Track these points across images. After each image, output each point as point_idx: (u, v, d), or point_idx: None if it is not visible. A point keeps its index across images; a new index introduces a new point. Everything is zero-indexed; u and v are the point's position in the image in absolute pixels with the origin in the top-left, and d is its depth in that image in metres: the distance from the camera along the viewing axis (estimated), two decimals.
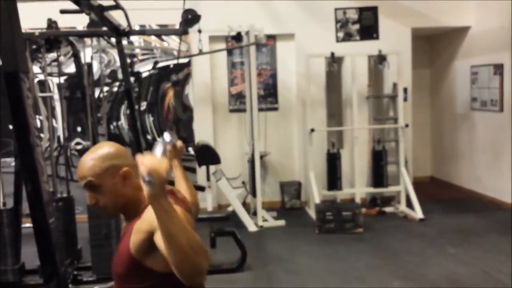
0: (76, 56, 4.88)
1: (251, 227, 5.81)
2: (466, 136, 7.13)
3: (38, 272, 4.31)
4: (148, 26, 6.34)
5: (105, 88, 6.40)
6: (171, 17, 5.81)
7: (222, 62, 6.73)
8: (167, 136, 1.88)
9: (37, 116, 6.10)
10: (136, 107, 5.11)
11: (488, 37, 6.53)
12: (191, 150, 6.72)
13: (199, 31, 5.42)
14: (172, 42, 6.66)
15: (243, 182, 6.37)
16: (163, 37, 6.65)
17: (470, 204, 6.61)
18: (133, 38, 6.56)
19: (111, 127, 6.64)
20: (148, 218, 1.39)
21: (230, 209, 6.16)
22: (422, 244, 5.15)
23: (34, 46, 4.65)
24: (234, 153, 6.66)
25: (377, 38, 6.65)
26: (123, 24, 4.29)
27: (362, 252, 5.02)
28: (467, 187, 7.12)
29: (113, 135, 6.54)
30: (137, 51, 6.71)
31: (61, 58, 5.50)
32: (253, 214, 6.11)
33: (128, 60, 6.39)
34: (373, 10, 6.67)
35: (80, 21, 5.36)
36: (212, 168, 6.13)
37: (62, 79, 5.71)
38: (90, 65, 6.33)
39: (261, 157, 6.28)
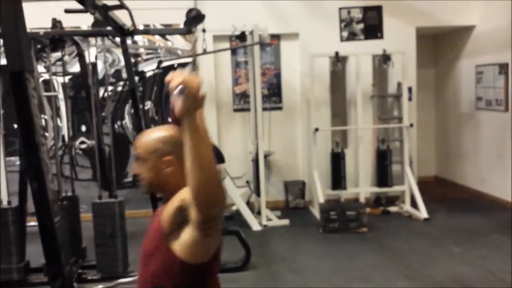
0: (80, 56, 4.89)
1: (255, 226, 5.81)
2: (470, 135, 7.10)
3: (43, 270, 4.33)
4: (152, 25, 6.35)
5: (110, 88, 6.41)
6: (175, 16, 5.81)
7: (226, 62, 6.73)
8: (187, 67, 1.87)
9: (42, 116, 6.13)
10: (140, 106, 5.12)
11: (493, 36, 6.51)
12: None
13: (204, 30, 5.43)
14: (176, 41, 6.66)
15: (247, 182, 6.37)
16: (167, 36, 6.66)
17: (475, 204, 6.59)
18: (137, 37, 6.57)
19: (116, 126, 6.65)
20: (183, 191, 1.43)
21: (234, 208, 6.17)
22: (426, 244, 5.14)
23: (38, 46, 4.65)
24: (238, 153, 6.66)
25: (381, 37, 6.63)
26: (128, 23, 4.30)
27: (366, 251, 5.01)
28: (472, 187, 7.10)
29: (118, 134, 6.56)
30: (142, 50, 6.72)
31: (66, 58, 5.51)
32: (257, 213, 6.11)
33: (133, 60, 6.40)
34: (378, 10, 6.65)
35: (85, 21, 5.37)
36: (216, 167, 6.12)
37: (67, 78, 5.73)
38: (94, 65, 6.35)
39: (265, 156, 6.28)
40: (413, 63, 6.72)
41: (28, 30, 2.28)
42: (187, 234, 1.43)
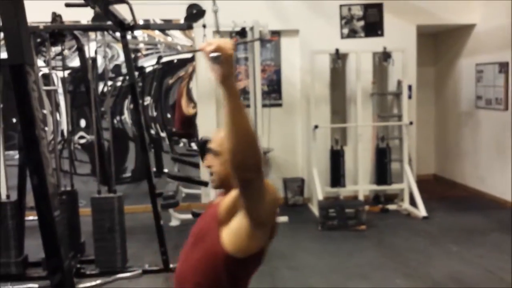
0: (80, 50, 4.87)
1: None
2: (470, 134, 7.10)
3: (41, 264, 4.33)
4: (152, 21, 6.33)
5: (109, 83, 6.40)
6: (175, 12, 5.80)
7: None
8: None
9: (42, 110, 6.11)
10: (140, 102, 5.11)
11: (493, 35, 6.50)
12: (194, 146, 6.72)
13: (204, 26, 5.41)
14: (176, 37, 6.64)
15: None
16: (167, 32, 6.64)
17: (474, 203, 6.59)
18: (137, 33, 6.56)
19: (115, 121, 6.64)
20: None
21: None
22: (425, 242, 5.15)
23: (38, 40, 4.64)
24: None
25: (382, 35, 6.62)
26: (128, 18, 4.28)
27: (364, 249, 5.02)
28: (471, 186, 7.10)
29: (117, 129, 6.54)
30: (141, 46, 6.70)
31: (66, 52, 5.49)
32: None
33: (132, 55, 6.39)
34: (378, 7, 6.64)
35: (85, 15, 5.36)
36: None
37: (66, 73, 5.71)
38: (94, 60, 6.33)
39: (265, 153, 6.27)
40: (413, 61, 6.71)
41: (28, 24, 2.27)
42: (236, 222, 1.47)
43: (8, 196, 4.33)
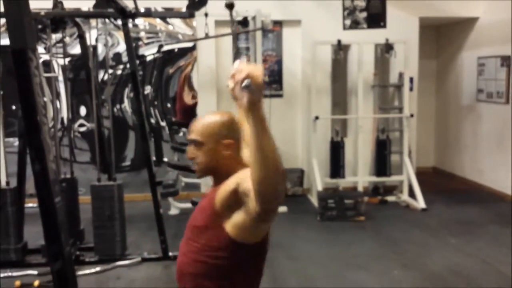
0: (81, 37, 4.85)
1: None
2: (470, 127, 7.10)
3: (41, 251, 4.34)
4: (154, 9, 6.29)
5: (109, 71, 6.38)
6: (177, 0, 5.76)
7: (228, 47, 6.69)
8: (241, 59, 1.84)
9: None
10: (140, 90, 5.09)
11: (496, 29, 6.48)
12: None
13: (206, 15, 5.38)
14: (177, 25, 6.61)
15: None
16: (168, 20, 6.60)
17: (473, 196, 6.60)
18: (138, 21, 6.52)
19: (115, 109, 6.62)
20: (240, 173, 1.46)
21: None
22: (423, 234, 5.16)
23: (39, 26, 4.61)
24: None
25: (384, 26, 6.58)
26: (130, 6, 4.26)
27: (363, 240, 5.03)
28: (470, 179, 7.11)
29: (117, 117, 6.53)
30: (142, 34, 6.67)
31: (66, 39, 5.46)
32: None
33: (133, 44, 6.36)
34: None
35: (86, 2, 5.33)
36: None
37: (67, 60, 5.68)
38: (94, 47, 6.30)
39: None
40: (415, 53, 6.69)
41: None
42: (240, 217, 1.45)
43: (7, 183, 4.33)
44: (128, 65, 5.68)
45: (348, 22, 6.59)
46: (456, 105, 7.47)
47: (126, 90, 6.65)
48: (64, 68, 5.54)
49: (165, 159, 6.58)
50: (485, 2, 6.70)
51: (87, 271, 4.19)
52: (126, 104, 6.68)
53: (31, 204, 4.87)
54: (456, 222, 5.50)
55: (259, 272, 1.64)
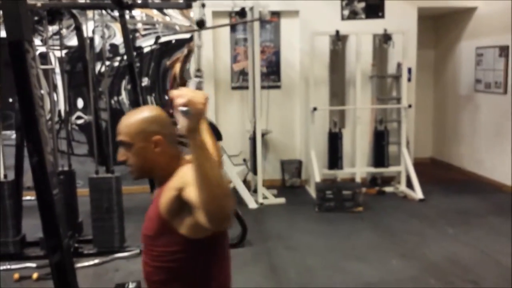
0: (78, 29, 4.82)
1: (252, 204, 5.83)
2: (468, 117, 7.10)
3: (39, 244, 4.34)
4: (151, 0, 6.24)
5: (106, 63, 6.35)
6: None
7: (225, 39, 6.66)
8: (195, 80, 1.85)
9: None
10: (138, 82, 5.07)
11: (494, 19, 6.46)
12: None
13: (203, 5, 5.34)
14: (174, 17, 6.57)
15: (244, 160, 6.38)
16: (166, 11, 6.56)
17: (470, 186, 6.62)
18: (135, 12, 6.48)
19: (112, 102, 6.60)
20: (180, 175, 1.44)
21: (231, 186, 6.17)
22: (421, 224, 5.18)
23: (36, 18, 4.58)
24: (235, 131, 6.64)
25: (382, 17, 6.57)
26: None
27: (361, 230, 5.05)
28: (468, 169, 7.13)
29: (114, 110, 6.51)
30: (139, 26, 6.63)
31: (63, 31, 5.43)
32: (254, 191, 6.13)
33: (130, 35, 6.32)
34: None
35: None
36: None
37: (63, 52, 5.65)
38: (91, 39, 6.27)
39: (263, 135, 6.26)
40: (414, 43, 6.67)
41: None
42: (191, 220, 1.42)
43: (5, 176, 4.32)
44: (125, 57, 5.65)
45: (346, 12, 6.57)
46: (454, 96, 7.47)
47: (124, 82, 6.62)
48: (61, 60, 5.50)
49: None
50: None
51: (86, 263, 4.20)
52: (124, 96, 6.66)
53: (29, 197, 4.86)
54: (454, 213, 5.52)
55: (225, 258, 1.62)
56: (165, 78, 6.70)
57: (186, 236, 1.47)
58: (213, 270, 1.56)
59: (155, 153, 1.54)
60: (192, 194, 1.31)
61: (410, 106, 6.40)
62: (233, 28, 6.62)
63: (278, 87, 6.78)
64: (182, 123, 1.19)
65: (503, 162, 6.30)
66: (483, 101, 6.74)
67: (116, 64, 6.58)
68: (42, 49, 5.87)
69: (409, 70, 6.65)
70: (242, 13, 5.89)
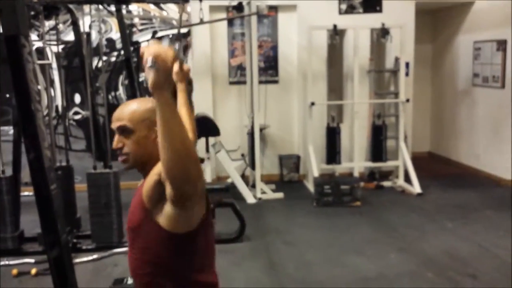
0: (75, 24, 4.80)
1: (250, 199, 5.83)
2: (466, 112, 7.11)
3: (37, 239, 4.33)
4: None
5: (103, 58, 6.32)
6: None
7: (223, 33, 6.64)
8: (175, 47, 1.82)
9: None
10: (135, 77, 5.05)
11: (492, 13, 6.45)
12: None
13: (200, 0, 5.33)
14: (171, 9, 6.55)
15: (242, 155, 6.37)
16: (163, 6, 6.54)
17: (468, 180, 6.63)
18: (131, 7, 6.46)
19: (109, 97, 6.58)
20: (160, 165, 1.39)
21: (229, 181, 6.17)
22: (419, 219, 5.19)
23: (32, 13, 4.56)
24: (233, 126, 6.64)
25: (380, 11, 6.55)
26: None
27: (359, 225, 5.05)
28: (466, 163, 7.14)
29: (111, 105, 6.49)
30: (136, 20, 6.61)
31: (60, 26, 5.41)
32: (252, 186, 6.13)
33: (127, 30, 6.30)
34: None
35: None
36: (212, 140, 6.12)
37: (60, 47, 5.63)
38: (88, 34, 6.24)
39: (261, 130, 6.26)
40: (411, 38, 6.66)
41: None
42: (167, 207, 1.40)
43: (3, 171, 4.31)
44: (122, 52, 5.63)
45: (344, 6, 6.56)
46: (452, 90, 7.47)
47: (121, 77, 6.60)
48: (57, 55, 5.49)
49: None
50: None
51: (84, 259, 4.20)
52: (121, 92, 6.65)
53: (27, 193, 4.85)
54: (452, 207, 5.53)
55: (209, 249, 1.59)
56: None
57: (166, 229, 1.44)
58: (196, 263, 1.53)
59: (154, 144, 1.48)
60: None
61: (408, 100, 6.40)
62: (230, 22, 6.60)
63: (276, 82, 6.76)
64: (149, 77, 1.17)
65: (501, 156, 6.31)
66: (481, 95, 6.74)
67: (113, 59, 6.56)
68: (38, 44, 5.84)
69: (407, 65, 6.64)
70: (239, 7, 5.88)
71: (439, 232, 4.79)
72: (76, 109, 6.56)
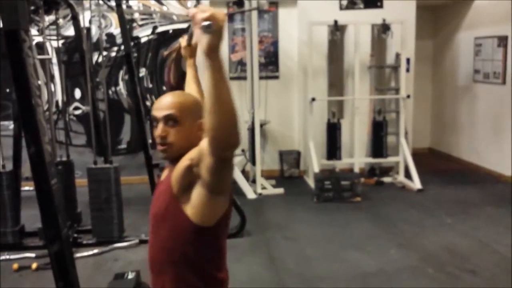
0: (75, 19, 4.78)
1: (250, 195, 5.83)
2: (467, 108, 7.10)
3: (38, 234, 4.34)
4: None
5: (104, 53, 6.31)
6: None
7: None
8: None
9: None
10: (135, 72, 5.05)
11: (493, 9, 6.44)
12: None
13: None
14: (171, 4, 6.53)
15: (243, 150, 6.37)
16: (163, 1, 6.52)
17: (469, 176, 6.63)
18: (132, 2, 6.44)
19: (110, 92, 6.58)
20: (194, 150, 1.40)
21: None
22: (419, 214, 5.19)
23: (32, 8, 4.54)
24: None
25: (381, 6, 6.54)
26: None
27: (359, 220, 5.06)
28: (466, 159, 7.13)
29: (112, 100, 6.49)
30: (136, 16, 6.59)
31: (60, 21, 5.40)
32: (252, 181, 6.13)
33: (127, 25, 6.28)
34: None
35: None
36: None
37: (60, 42, 5.61)
38: (88, 29, 6.23)
39: (261, 125, 6.25)
40: (412, 34, 6.64)
41: None
42: (196, 195, 1.42)
43: (3, 166, 4.32)
44: (122, 47, 5.62)
45: (344, 2, 6.54)
46: (453, 86, 7.46)
47: (121, 73, 6.60)
48: (57, 50, 5.48)
49: None
50: None
51: (85, 253, 4.20)
52: (121, 87, 6.64)
53: (27, 188, 4.86)
54: (452, 203, 5.53)
55: (224, 250, 1.61)
56: (162, 68, 6.67)
57: (192, 220, 1.45)
58: (216, 258, 1.56)
59: (196, 137, 1.49)
60: (200, 147, 1.32)
61: (408, 96, 6.39)
62: (230, 18, 6.58)
63: (276, 77, 6.76)
64: (202, 41, 1.14)
65: (502, 152, 6.31)
66: (482, 91, 6.74)
67: (113, 54, 6.55)
68: (38, 39, 5.83)
69: (408, 61, 6.63)
70: (239, 2, 5.86)
71: (439, 227, 4.79)
72: (76, 104, 6.55)
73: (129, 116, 6.63)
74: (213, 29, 1.12)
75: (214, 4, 6.25)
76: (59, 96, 6.34)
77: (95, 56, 6.40)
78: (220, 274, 1.58)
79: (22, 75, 2.01)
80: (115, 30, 6.42)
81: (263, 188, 6.03)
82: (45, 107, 4.55)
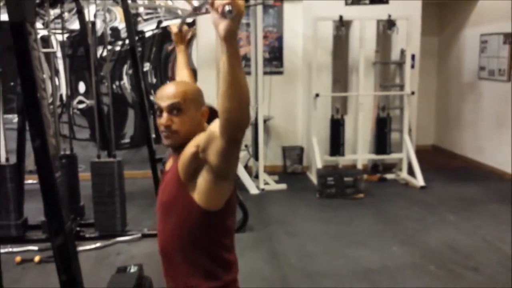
0: (80, 13, 4.78)
1: (253, 190, 5.84)
2: (471, 105, 7.07)
3: (41, 227, 4.36)
4: None
5: (108, 47, 6.31)
6: None
7: None
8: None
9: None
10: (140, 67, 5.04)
11: (499, 6, 6.39)
12: None
13: None
14: (176, 1, 6.52)
15: (246, 145, 6.37)
16: None
17: (472, 174, 6.62)
18: None
19: (114, 86, 6.58)
20: (200, 136, 1.45)
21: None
22: (422, 211, 5.18)
23: (37, 1, 4.54)
24: None
25: (387, 2, 6.51)
26: None
27: (362, 217, 5.06)
28: (470, 157, 7.12)
29: (115, 94, 6.49)
30: (141, 10, 6.58)
31: (65, 15, 5.39)
32: (255, 177, 6.13)
33: (132, 20, 6.28)
34: None
35: None
36: None
37: (65, 36, 5.62)
38: (93, 23, 6.22)
39: (265, 121, 6.25)
40: (418, 30, 6.61)
41: None
42: (203, 180, 1.45)
43: (7, 159, 4.32)
44: (127, 41, 5.62)
45: None
46: (458, 83, 7.43)
47: (125, 67, 6.60)
48: (62, 44, 5.48)
49: None
50: None
51: (88, 247, 4.22)
52: (125, 81, 6.64)
53: (31, 181, 4.87)
54: (455, 200, 5.52)
55: (233, 232, 1.65)
56: (167, 63, 6.66)
57: (199, 204, 1.48)
58: (225, 240, 1.59)
59: (199, 124, 1.55)
60: (208, 131, 1.36)
61: (413, 93, 6.37)
62: None
63: (280, 73, 6.74)
64: (220, 26, 1.15)
65: (506, 150, 6.29)
66: (487, 88, 6.71)
67: (117, 48, 6.55)
68: (43, 32, 5.83)
69: (413, 57, 6.60)
70: None
71: (442, 225, 4.78)
72: (80, 98, 6.56)
73: (133, 111, 6.64)
74: (234, 14, 1.12)
75: None
76: (63, 90, 6.35)
77: (99, 50, 6.40)
78: (230, 256, 1.61)
79: (28, 67, 2.01)
80: (120, 24, 6.42)
81: (266, 183, 6.03)
82: (49, 100, 4.55)
